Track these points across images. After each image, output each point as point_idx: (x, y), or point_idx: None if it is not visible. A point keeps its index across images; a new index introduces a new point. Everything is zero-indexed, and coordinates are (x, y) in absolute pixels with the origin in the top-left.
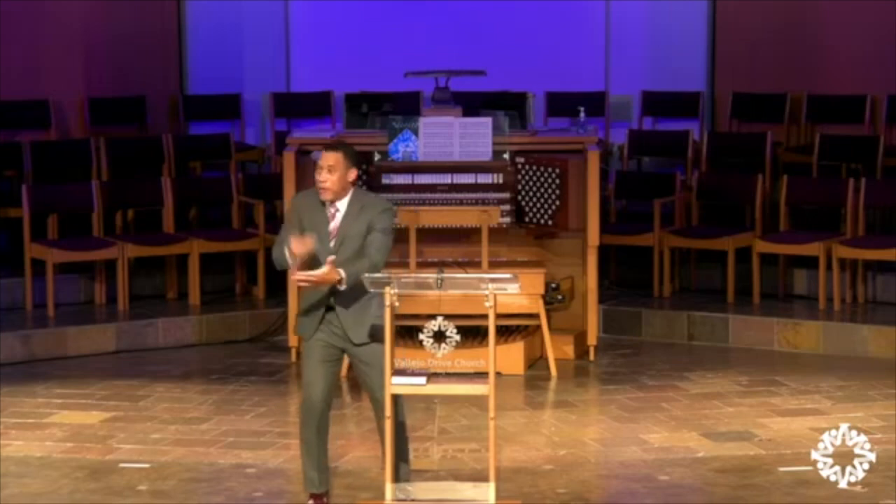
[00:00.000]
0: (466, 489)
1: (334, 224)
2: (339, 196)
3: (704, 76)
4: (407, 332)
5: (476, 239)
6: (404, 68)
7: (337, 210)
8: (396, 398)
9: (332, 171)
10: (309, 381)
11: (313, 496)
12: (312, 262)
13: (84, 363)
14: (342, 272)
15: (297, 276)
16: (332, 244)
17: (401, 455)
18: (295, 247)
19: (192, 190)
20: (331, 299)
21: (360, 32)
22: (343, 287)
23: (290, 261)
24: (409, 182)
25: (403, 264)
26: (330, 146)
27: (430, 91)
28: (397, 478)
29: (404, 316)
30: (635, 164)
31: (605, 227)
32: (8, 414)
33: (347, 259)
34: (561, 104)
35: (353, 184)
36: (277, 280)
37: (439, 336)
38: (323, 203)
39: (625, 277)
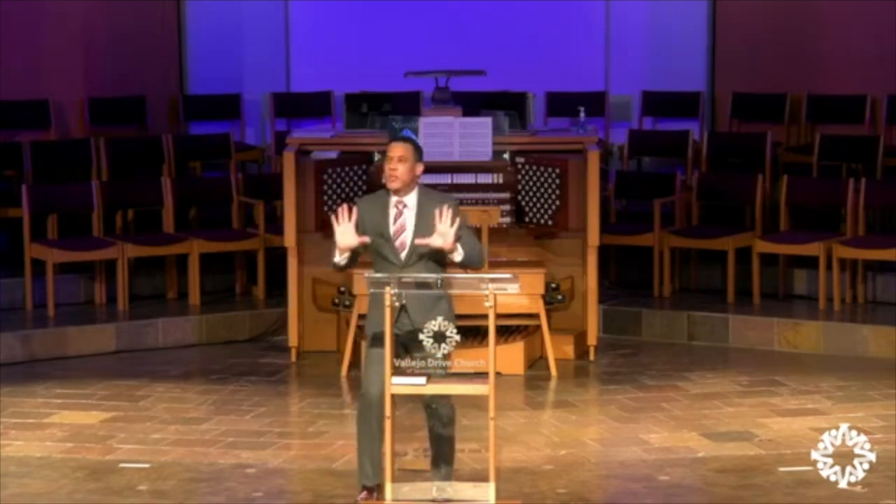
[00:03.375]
0: (466, 489)
1: (400, 222)
2: (407, 189)
3: (704, 76)
4: None
5: None
6: (404, 68)
7: (405, 206)
8: (450, 405)
9: (402, 160)
10: (370, 377)
11: (367, 489)
12: (379, 260)
13: (84, 363)
14: (458, 245)
15: (418, 242)
16: (396, 243)
17: (446, 458)
18: (339, 235)
19: (192, 190)
20: (403, 298)
21: (360, 32)
22: (458, 258)
23: (338, 259)
24: None
25: None
26: (398, 138)
27: (430, 91)
28: (440, 476)
29: None
30: (635, 164)
31: (605, 227)
32: (8, 414)
33: (424, 256)
34: (561, 104)
35: (418, 179)
36: (277, 280)
37: (439, 336)
38: (385, 204)
39: (625, 277)
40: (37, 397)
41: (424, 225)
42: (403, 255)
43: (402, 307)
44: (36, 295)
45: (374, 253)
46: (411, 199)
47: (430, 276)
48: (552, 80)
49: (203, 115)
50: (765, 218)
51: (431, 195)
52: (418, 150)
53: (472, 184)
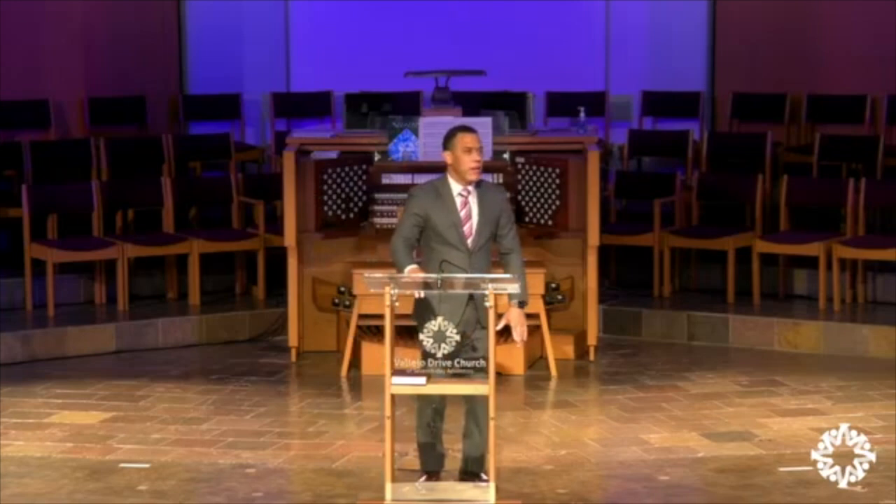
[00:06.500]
0: (466, 489)
1: (466, 211)
2: None
3: (704, 76)
4: (407, 332)
5: None
6: (404, 68)
7: (469, 193)
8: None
9: (480, 151)
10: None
11: (428, 474)
12: (443, 248)
13: (84, 363)
14: (518, 301)
15: (524, 339)
16: (464, 229)
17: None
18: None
19: (192, 190)
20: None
21: (360, 32)
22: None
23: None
24: (409, 182)
25: None
26: (468, 128)
27: (430, 91)
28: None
29: (405, 316)
30: (635, 164)
31: (605, 227)
32: (8, 414)
33: (483, 247)
34: (561, 104)
35: None
36: (277, 280)
37: (439, 336)
38: (447, 195)
39: (625, 277)
40: (37, 397)
41: (486, 212)
42: (470, 241)
43: (471, 297)
44: (36, 295)
45: (436, 242)
46: (471, 187)
47: (431, 276)
48: (552, 80)
49: (203, 115)
50: (765, 218)
51: (483, 183)
52: None
53: None
